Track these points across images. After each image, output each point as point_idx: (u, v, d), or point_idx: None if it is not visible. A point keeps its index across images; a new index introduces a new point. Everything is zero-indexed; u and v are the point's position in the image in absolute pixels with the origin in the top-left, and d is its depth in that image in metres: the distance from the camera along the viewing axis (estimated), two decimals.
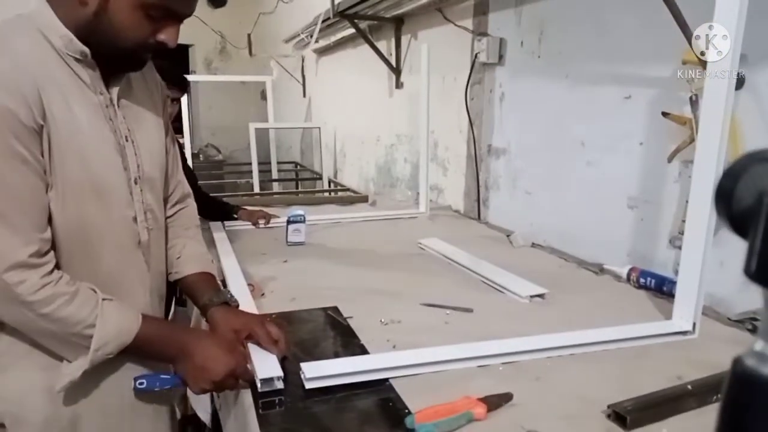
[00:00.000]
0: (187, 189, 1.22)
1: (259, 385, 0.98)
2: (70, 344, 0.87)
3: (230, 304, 1.10)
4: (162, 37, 0.87)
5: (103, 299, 0.88)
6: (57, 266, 0.87)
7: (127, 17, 0.83)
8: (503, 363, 1.09)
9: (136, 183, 0.97)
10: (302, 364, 1.02)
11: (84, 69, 0.89)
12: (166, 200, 1.14)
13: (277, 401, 0.94)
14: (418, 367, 1.06)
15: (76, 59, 0.87)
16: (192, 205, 1.23)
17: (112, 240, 0.94)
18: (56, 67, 0.86)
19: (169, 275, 1.13)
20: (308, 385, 0.99)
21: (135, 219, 0.97)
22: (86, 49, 0.87)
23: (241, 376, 0.96)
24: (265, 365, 1.01)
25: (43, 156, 0.84)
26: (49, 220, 0.87)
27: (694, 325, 1.23)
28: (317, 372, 1.00)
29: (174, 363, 0.97)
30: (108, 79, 0.93)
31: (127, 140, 0.95)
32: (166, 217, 1.14)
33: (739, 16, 1.06)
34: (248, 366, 0.98)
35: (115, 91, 0.94)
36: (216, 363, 0.93)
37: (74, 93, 0.88)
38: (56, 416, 0.93)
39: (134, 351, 0.92)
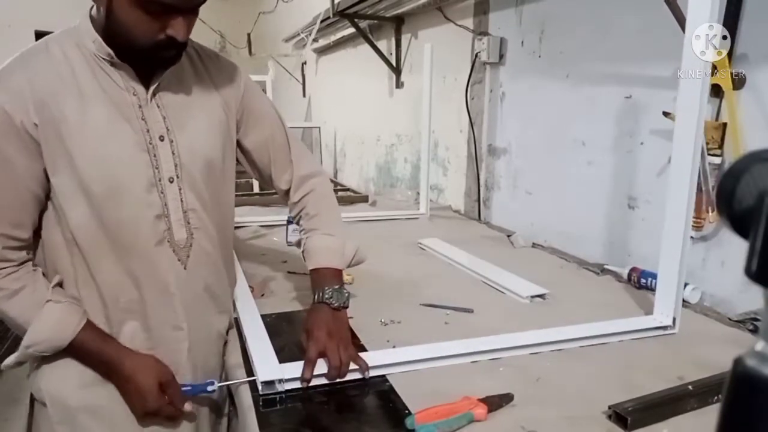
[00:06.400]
0: (309, 169, 1.21)
1: (260, 387, 0.97)
2: (17, 330, 0.95)
3: (329, 304, 1.09)
4: (170, 32, 0.87)
5: (49, 301, 0.92)
6: (34, 264, 0.96)
7: (130, 17, 0.85)
8: (503, 365, 1.10)
9: (171, 182, 0.97)
10: (256, 367, 1.01)
11: (116, 70, 0.92)
12: (289, 186, 1.18)
13: (278, 399, 0.94)
14: (408, 365, 1.06)
15: (109, 61, 0.91)
16: (319, 185, 1.22)
17: (129, 239, 0.95)
18: (85, 71, 0.91)
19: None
20: (263, 390, 0.97)
21: (161, 217, 0.97)
22: (111, 51, 0.90)
23: (164, 412, 0.97)
24: (266, 367, 1.01)
25: (43, 157, 0.89)
26: (61, 219, 0.93)
27: (674, 320, 1.24)
28: (278, 375, 0.98)
29: (107, 379, 0.98)
30: (149, 78, 0.95)
31: (162, 139, 0.96)
32: (299, 202, 1.19)
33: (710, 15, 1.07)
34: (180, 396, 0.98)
35: (150, 90, 0.95)
36: (135, 401, 0.96)
37: (100, 95, 0.91)
38: (86, 403, 0.98)
39: (73, 356, 0.97)
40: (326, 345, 1.01)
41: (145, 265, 0.97)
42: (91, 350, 0.95)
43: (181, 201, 0.99)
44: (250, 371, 1.04)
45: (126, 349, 0.97)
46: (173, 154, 0.97)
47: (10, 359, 0.96)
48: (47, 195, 0.93)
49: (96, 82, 0.91)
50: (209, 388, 1.00)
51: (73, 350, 0.95)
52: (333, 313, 1.09)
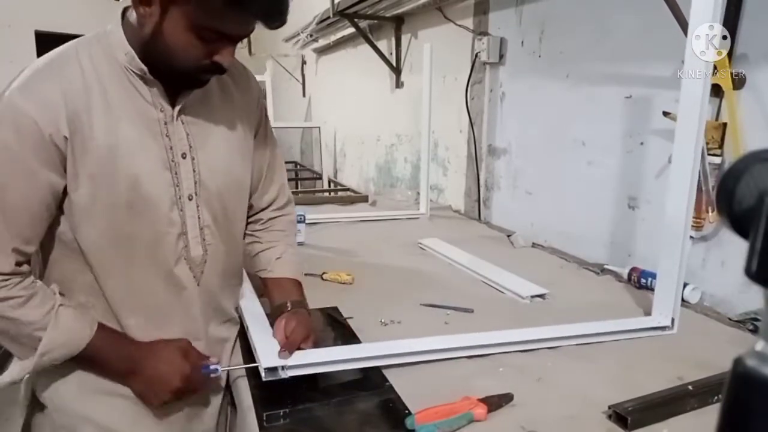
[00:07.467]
0: (290, 195, 1.23)
1: (263, 374, 0.97)
2: (21, 344, 0.90)
3: (308, 309, 1.13)
4: (217, 58, 0.86)
5: (60, 305, 0.90)
6: (34, 273, 0.92)
7: (181, 39, 0.83)
8: (503, 364, 1.10)
9: (190, 199, 0.96)
10: (259, 354, 1.01)
11: (146, 86, 0.90)
12: (269, 205, 1.18)
13: (281, 414, 0.93)
14: (402, 357, 1.07)
15: (139, 76, 0.89)
16: (293, 213, 1.25)
17: (148, 256, 0.94)
18: (115, 84, 0.88)
19: (260, 272, 1.18)
20: (266, 377, 0.98)
21: (181, 235, 0.96)
22: (144, 67, 0.88)
23: (196, 381, 0.96)
24: (269, 354, 1.00)
25: (66, 171, 0.87)
26: (72, 233, 0.91)
27: (673, 320, 1.24)
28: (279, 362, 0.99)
29: (125, 380, 0.97)
30: (176, 95, 0.93)
31: (184, 157, 0.94)
32: (269, 219, 1.18)
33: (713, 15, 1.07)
34: (204, 370, 0.98)
35: (177, 107, 0.93)
36: (169, 372, 0.94)
37: (128, 110, 0.89)
38: (86, 413, 0.97)
39: (85, 362, 0.94)
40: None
41: (161, 281, 0.96)
42: (109, 350, 0.94)
43: (198, 218, 0.98)
44: (252, 370, 1.04)
45: (143, 342, 0.97)
46: (194, 171, 0.95)
47: (16, 372, 0.92)
48: (58, 207, 0.90)
49: (125, 96, 0.89)
50: (212, 375, 1.01)
51: (88, 353, 0.92)
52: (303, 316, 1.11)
